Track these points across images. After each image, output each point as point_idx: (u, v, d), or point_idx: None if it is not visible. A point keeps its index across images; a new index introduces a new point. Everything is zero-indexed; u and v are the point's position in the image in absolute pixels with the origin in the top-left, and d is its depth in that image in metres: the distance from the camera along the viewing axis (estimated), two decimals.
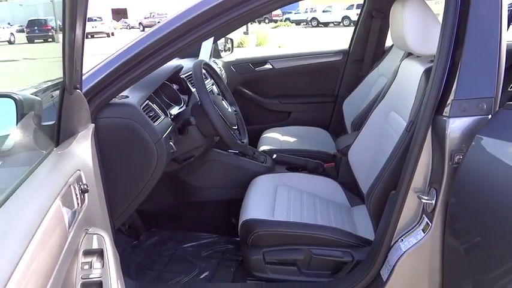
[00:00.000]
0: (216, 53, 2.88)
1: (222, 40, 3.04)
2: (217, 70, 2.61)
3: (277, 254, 1.53)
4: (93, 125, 1.19)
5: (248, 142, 1.90)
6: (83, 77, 1.24)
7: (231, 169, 2.03)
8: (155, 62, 1.27)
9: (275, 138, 2.54)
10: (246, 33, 14.99)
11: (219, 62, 2.79)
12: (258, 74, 2.91)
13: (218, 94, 1.99)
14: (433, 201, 1.21)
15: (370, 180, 1.54)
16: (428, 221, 1.25)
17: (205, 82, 2.07)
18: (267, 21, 28.72)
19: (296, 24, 27.23)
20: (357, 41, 2.80)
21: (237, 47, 14.01)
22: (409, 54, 1.94)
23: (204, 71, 1.96)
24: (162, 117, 1.51)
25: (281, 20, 28.06)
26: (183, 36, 1.25)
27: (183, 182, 2.03)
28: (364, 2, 2.70)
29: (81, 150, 1.06)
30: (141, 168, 1.40)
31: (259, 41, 15.23)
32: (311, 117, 2.90)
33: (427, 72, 1.40)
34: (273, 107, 2.94)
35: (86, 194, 0.96)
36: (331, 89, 2.91)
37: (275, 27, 25.31)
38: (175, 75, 1.82)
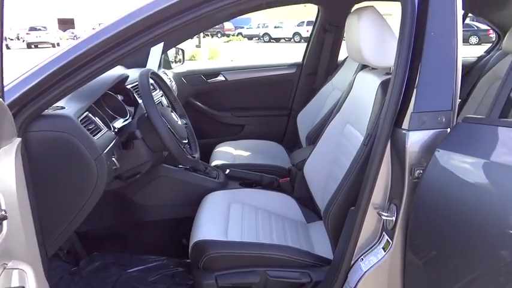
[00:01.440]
0: (166, 64, 2.76)
1: (173, 51, 2.93)
2: (167, 81, 2.49)
3: (231, 277, 1.42)
4: (19, 139, 1.04)
5: (200, 157, 1.79)
6: (9, 86, 1.09)
7: (181, 186, 1.91)
8: (95, 69, 1.14)
9: (228, 152, 2.44)
10: (198, 46, 14.87)
11: (170, 73, 2.67)
12: (210, 86, 2.81)
13: (168, 106, 1.87)
14: (394, 218, 1.16)
15: (327, 196, 1.48)
16: (388, 239, 1.20)
17: (154, 93, 1.95)
18: (219, 35, 28.79)
19: (248, 39, 27.48)
20: (311, 54, 2.78)
21: (189, 60, 13.85)
22: (363, 67, 1.92)
23: (151, 81, 1.84)
24: (104, 130, 1.37)
25: (233, 35, 28.22)
26: (126, 42, 1.13)
27: (129, 200, 1.88)
28: (318, 15, 2.70)
29: (2, 169, 0.91)
30: (79, 187, 1.25)
31: (211, 55, 15.15)
32: (265, 130, 2.84)
33: (384, 84, 1.37)
34: (225, 120, 2.85)
35: (4, 222, 0.81)
36: (285, 102, 2.87)
37: (227, 41, 25.39)
38: (120, 85, 1.69)
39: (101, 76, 1.56)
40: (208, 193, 1.84)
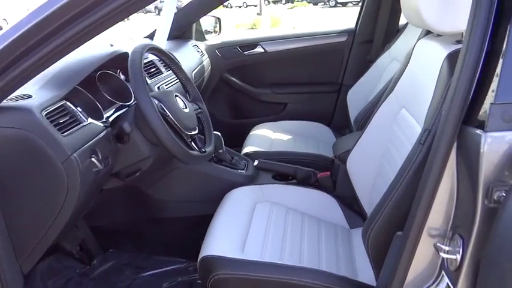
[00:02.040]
0: (199, 35, 2.46)
1: (212, 21, 2.63)
2: (198, 55, 2.21)
3: None
4: None
5: (213, 150, 1.49)
6: None
7: (202, 179, 1.64)
8: (61, 41, 0.86)
9: (265, 136, 2.12)
10: (259, 14, 14.41)
11: (202, 46, 2.37)
12: (247, 59, 2.47)
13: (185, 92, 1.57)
14: (458, 256, 0.80)
15: (376, 198, 1.13)
16: (449, 283, 0.84)
17: (166, 73, 1.68)
18: (283, 1, 27.90)
19: (314, 5, 26.30)
20: (365, 18, 2.34)
21: (250, 29, 13.48)
22: (428, 33, 1.50)
23: (155, 57, 1.56)
24: (85, 122, 1.12)
25: (298, 0, 27.18)
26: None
27: (144, 194, 1.66)
28: None
29: None
30: (48, 193, 1.02)
31: (272, 23, 14.62)
32: (310, 110, 2.47)
33: (452, 58, 0.97)
34: (265, 97, 2.51)
35: None
36: (334, 76, 2.46)
37: (291, 8, 24.50)
38: (119, 63, 1.42)
39: (88, 54, 1.31)
40: (233, 188, 1.57)
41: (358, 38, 2.38)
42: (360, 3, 2.41)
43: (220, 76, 2.45)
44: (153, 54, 1.41)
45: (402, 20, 2.29)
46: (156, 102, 1.22)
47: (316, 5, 26.21)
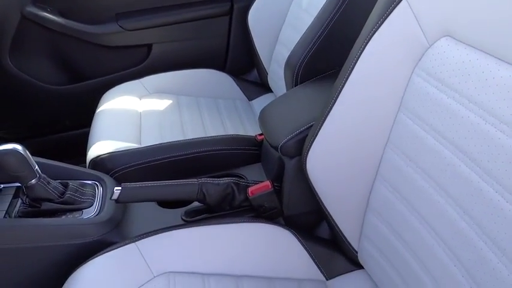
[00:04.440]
0: None
1: None
2: None
3: None
4: None
5: None
6: None
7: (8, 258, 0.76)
8: None
9: (126, 110, 1.22)
10: None
11: None
12: None
13: None
14: None
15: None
16: None
17: None
18: None
19: None
20: None
21: None
22: None
23: None
24: None
25: None
26: None
27: None
28: None
29: None
30: None
31: None
32: (189, 49, 1.56)
33: None
34: (112, 39, 1.49)
35: None
36: None
37: None
38: None
39: None
40: (79, 260, 0.74)
41: None
42: None
43: (21, 13, 1.37)
44: None
45: None
46: None
47: None
